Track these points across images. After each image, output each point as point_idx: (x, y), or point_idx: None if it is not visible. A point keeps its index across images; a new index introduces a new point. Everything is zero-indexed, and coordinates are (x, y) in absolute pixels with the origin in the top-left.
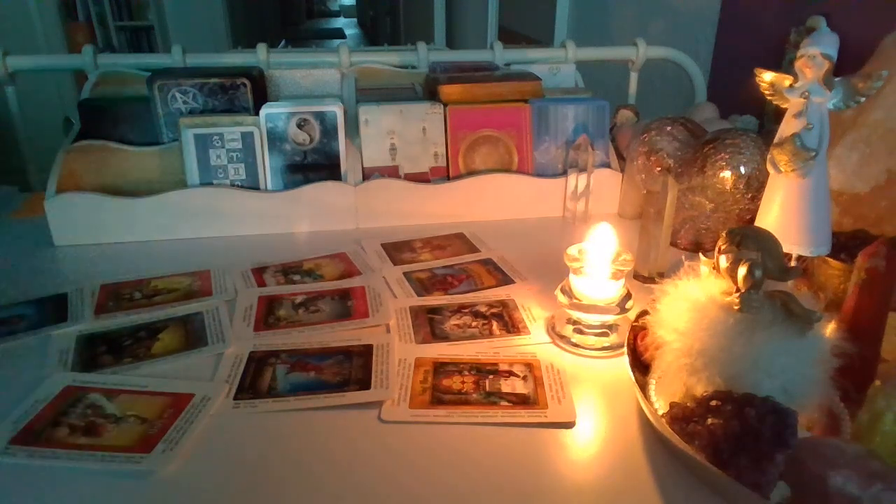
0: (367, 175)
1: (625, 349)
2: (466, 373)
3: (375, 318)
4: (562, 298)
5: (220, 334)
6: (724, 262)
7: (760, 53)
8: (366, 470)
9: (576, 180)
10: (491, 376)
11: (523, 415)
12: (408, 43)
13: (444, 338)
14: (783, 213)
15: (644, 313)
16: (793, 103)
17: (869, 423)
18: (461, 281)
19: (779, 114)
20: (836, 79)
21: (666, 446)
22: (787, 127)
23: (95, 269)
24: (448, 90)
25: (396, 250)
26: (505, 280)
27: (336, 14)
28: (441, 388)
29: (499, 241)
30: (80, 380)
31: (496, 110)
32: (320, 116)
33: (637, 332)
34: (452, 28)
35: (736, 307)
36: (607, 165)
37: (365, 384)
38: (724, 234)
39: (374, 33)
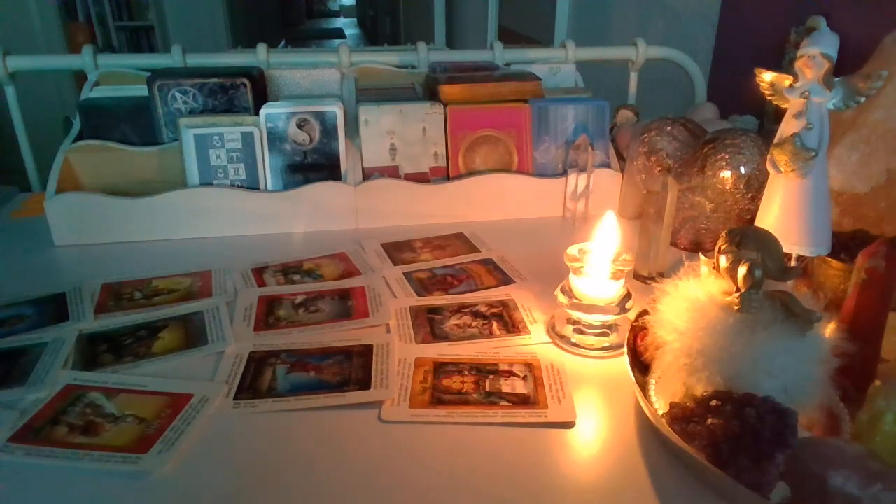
0: (367, 175)
1: (625, 349)
2: (466, 373)
3: (375, 318)
4: (562, 298)
5: (220, 333)
6: (724, 262)
7: (760, 53)
8: (366, 470)
9: (576, 180)
10: (491, 376)
11: (523, 415)
12: (408, 43)
13: (444, 338)
14: (783, 213)
15: (644, 313)
16: (793, 103)
17: (869, 423)
18: (461, 281)
19: (779, 114)
20: (836, 79)
21: (666, 446)
22: (787, 127)
23: (95, 269)
24: (448, 90)
25: (396, 250)
26: (505, 280)
27: (336, 14)
28: (441, 388)
29: (499, 241)
30: (81, 378)
31: (496, 110)
32: (320, 116)
33: (637, 332)
34: (452, 28)
35: (736, 307)
36: (607, 165)
37: (365, 384)
38: (724, 234)
39: (374, 33)
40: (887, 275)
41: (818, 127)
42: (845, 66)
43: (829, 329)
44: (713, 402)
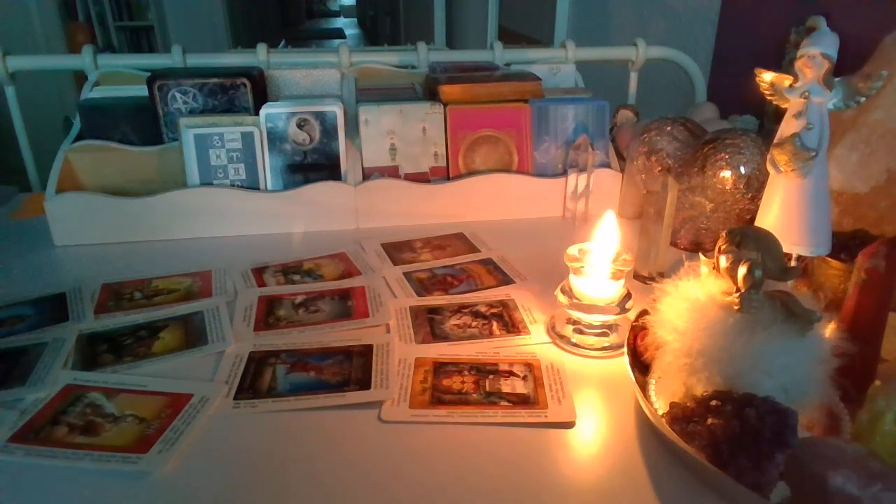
0: (367, 175)
1: (625, 349)
2: (466, 373)
3: (375, 318)
4: (562, 298)
5: (220, 333)
6: (724, 262)
7: (760, 53)
8: (365, 470)
9: (576, 180)
10: (491, 376)
11: (523, 415)
12: (408, 43)
13: (444, 338)
14: (783, 213)
15: (644, 313)
16: (793, 103)
17: (869, 423)
18: (461, 281)
19: (779, 114)
20: (836, 79)
21: (666, 446)
22: (787, 127)
23: (95, 269)
24: (448, 90)
25: (396, 250)
26: (505, 280)
27: (336, 14)
28: (441, 388)
29: (499, 241)
30: (81, 378)
31: (496, 110)
32: (320, 116)
33: (637, 332)
34: (452, 28)
35: (736, 307)
36: (607, 165)
37: (365, 384)
38: (724, 234)
39: (374, 33)
40: (887, 275)
41: (818, 127)
42: (845, 66)
43: (829, 329)
44: (713, 402)
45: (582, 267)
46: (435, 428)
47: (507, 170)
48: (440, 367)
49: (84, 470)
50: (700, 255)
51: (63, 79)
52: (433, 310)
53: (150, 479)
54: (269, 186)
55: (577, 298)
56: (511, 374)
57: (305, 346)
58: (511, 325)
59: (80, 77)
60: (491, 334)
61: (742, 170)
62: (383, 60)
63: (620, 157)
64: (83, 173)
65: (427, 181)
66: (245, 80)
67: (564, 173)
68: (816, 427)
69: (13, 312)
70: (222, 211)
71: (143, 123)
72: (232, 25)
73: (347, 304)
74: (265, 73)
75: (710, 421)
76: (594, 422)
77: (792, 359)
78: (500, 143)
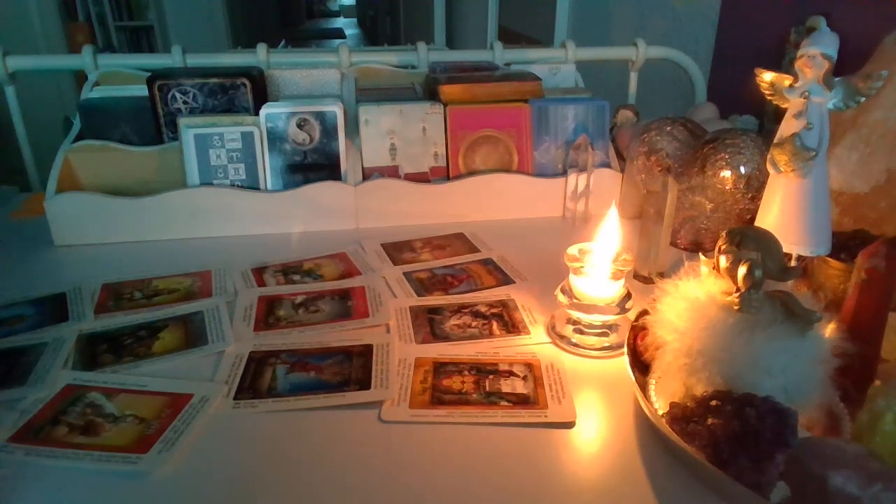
0: (367, 175)
1: (625, 349)
2: (466, 373)
3: (375, 318)
4: (562, 298)
5: (220, 333)
6: (724, 262)
7: (760, 53)
8: (365, 470)
9: (576, 180)
10: (491, 376)
11: (523, 415)
12: (408, 43)
13: (444, 338)
14: (783, 213)
15: (644, 313)
16: (793, 103)
17: (869, 423)
18: (461, 281)
19: (779, 114)
20: (836, 79)
21: (666, 446)
22: (787, 127)
23: (95, 269)
24: (448, 90)
25: (396, 250)
26: (505, 280)
27: (336, 14)
28: (441, 388)
29: (499, 241)
30: (81, 378)
31: (496, 110)
32: (320, 116)
33: (637, 332)
34: (452, 28)
35: (736, 307)
36: (607, 165)
37: (365, 384)
38: (724, 234)
39: (374, 33)
40: (887, 275)
41: (818, 127)
42: (845, 66)
43: (829, 329)
44: (713, 402)
45: (582, 267)
46: (435, 428)
47: (507, 170)
48: (440, 367)
49: (84, 470)
50: (700, 255)
51: (63, 79)
52: (433, 310)
53: (150, 479)
54: (269, 186)
55: (577, 298)
56: (511, 374)
57: (305, 346)
58: (511, 325)
59: (80, 77)
60: (491, 334)
61: (742, 170)
62: (383, 60)
63: (620, 157)
64: (83, 173)
65: (427, 181)
66: (245, 80)
67: (564, 173)
68: (816, 427)
69: (13, 312)
70: (222, 211)
71: (143, 123)
72: (232, 25)
73: (347, 304)
74: (265, 73)
75: (710, 421)
76: (594, 422)
77: (792, 359)
78: (500, 143)
